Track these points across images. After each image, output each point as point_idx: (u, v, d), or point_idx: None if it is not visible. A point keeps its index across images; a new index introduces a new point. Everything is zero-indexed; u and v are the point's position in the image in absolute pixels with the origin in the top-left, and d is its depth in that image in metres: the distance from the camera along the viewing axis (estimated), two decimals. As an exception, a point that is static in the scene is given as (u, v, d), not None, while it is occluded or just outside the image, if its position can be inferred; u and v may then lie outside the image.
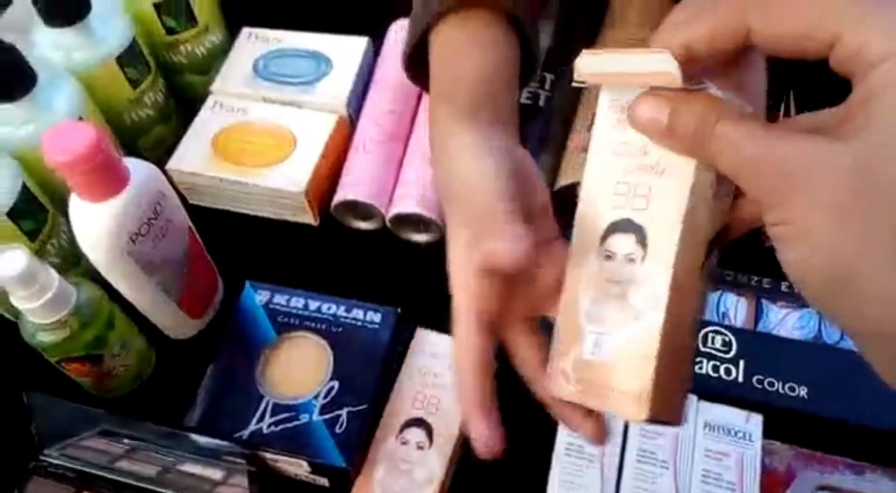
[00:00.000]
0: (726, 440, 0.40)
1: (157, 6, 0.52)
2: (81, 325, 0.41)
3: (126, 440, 0.44)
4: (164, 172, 0.52)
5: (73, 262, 0.48)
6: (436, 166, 0.36)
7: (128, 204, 0.38)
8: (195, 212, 0.55)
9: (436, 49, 0.39)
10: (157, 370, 0.48)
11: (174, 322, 0.47)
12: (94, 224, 0.38)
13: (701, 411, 0.41)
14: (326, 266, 0.52)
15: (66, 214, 0.43)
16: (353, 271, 0.51)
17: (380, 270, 0.51)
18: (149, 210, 0.40)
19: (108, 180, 0.37)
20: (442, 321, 0.46)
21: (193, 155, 0.52)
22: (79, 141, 0.34)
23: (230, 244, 0.53)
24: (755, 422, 0.41)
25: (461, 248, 0.32)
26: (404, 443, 0.42)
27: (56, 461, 0.43)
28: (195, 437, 0.41)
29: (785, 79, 0.53)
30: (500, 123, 0.36)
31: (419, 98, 0.56)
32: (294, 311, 0.45)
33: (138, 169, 0.39)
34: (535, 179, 0.35)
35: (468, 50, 0.37)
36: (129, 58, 0.49)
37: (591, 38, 0.56)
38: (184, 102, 0.58)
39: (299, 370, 0.43)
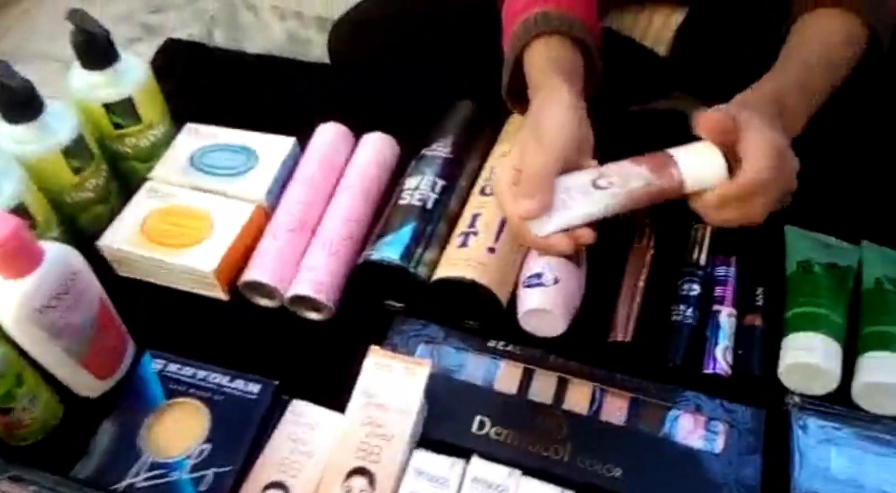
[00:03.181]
0: (538, 517, 0.45)
1: (106, 106, 0.61)
2: (-7, 381, 0.47)
3: (31, 487, 0.50)
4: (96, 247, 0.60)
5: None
6: (532, 110, 0.53)
7: (37, 282, 0.45)
8: (123, 282, 0.62)
9: (533, 60, 0.56)
10: (65, 423, 0.54)
11: (80, 381, 0.53)
12: (7, 296, 0.45)
13: (521, 487, 0.47)
14: (230, 337, 0.58)
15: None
16: (252, 343, 0.58)
17: (275, 343, 0.58)
18: (58, 286, 0.47)
19: (20, 262, 0.44)
20: (319, 394, 0.52)
21: (122, 233, 0.60)
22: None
23: (149, 312, 0.60)
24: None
25: (512, 158, 0.51)
26: (265, 503, 0.47)
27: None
28: (79, 487, 0.46)
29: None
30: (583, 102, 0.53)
31: (331, 195, 0.63)
32: (184, 379, 0.51)
33: (53, 252, 0.47)
34: (588, 146, 0.52)
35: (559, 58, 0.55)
36: (74, 150, 0.58)
37: (485, 154, 0.64)
38: (128, 184, 0.66)
39: (179, 432, 0.49)
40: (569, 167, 0.50)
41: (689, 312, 0.56)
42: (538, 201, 0.48)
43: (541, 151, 0.49)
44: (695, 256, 0.59)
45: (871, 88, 0.65)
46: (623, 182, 0.48)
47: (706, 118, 0.48)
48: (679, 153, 0.49)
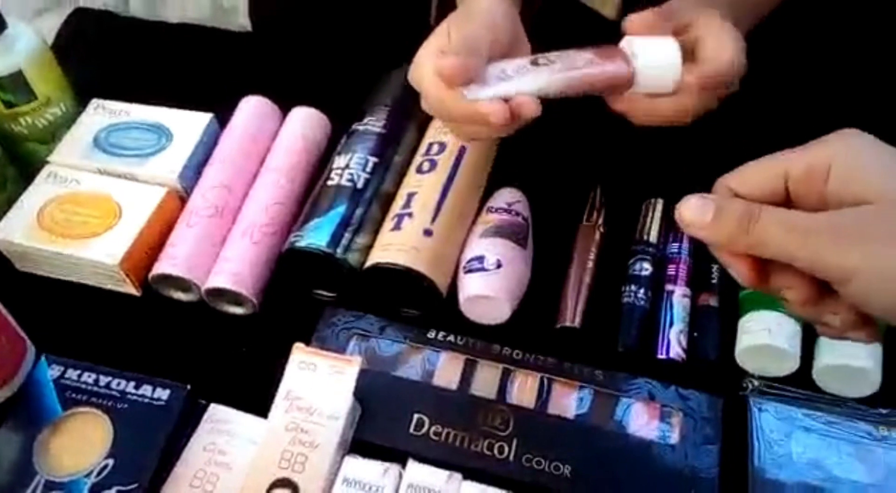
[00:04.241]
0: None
1: (-8, 81, 0.54)
2: None
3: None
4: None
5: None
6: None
7: None
8: (23, 278, 0.56)
9: None
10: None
11: (-31, 393, 0.47)
12: None
13: (461, 492, 0.43)
14: (144, 336, 0.53)
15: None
16: (169, 342, 0.53)
17: (194, 342, 0.52)
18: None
19: None
20: (243, 397, 0.48)
21: (17, 225, 0.53)
22: None
23: (54, 311, 0.54)
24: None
25: (437, 38, 0.45)
26: (176, 522, 0.42)
27: None
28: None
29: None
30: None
31: (253, 176, 0.58)
32: (83, 386, 0.46)
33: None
34: (522, 44, 0.47)
35: None
36: (-47, 131, 0.51)
37: (422, 128, 0.59)
38: (29, 168, 0.59)
39: (77, 447, 0.44)
40: (501, 57, 0.44)
41: (641, 293, 0.52)
42: (464, 59, 0.41)
43: (469, 23, 0.44)
44: (646, 232, 0.55)
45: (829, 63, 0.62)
46: (565, 63, 0.43)
47: (634, 22, 0.44)
48: (631, 42, 0.44)
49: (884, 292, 0.28)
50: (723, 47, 0.45)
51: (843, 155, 0.30)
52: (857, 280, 0.28)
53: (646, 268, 0.53)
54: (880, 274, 0.27)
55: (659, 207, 0.56)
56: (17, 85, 0.55)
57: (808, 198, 0.31)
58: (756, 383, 0.48)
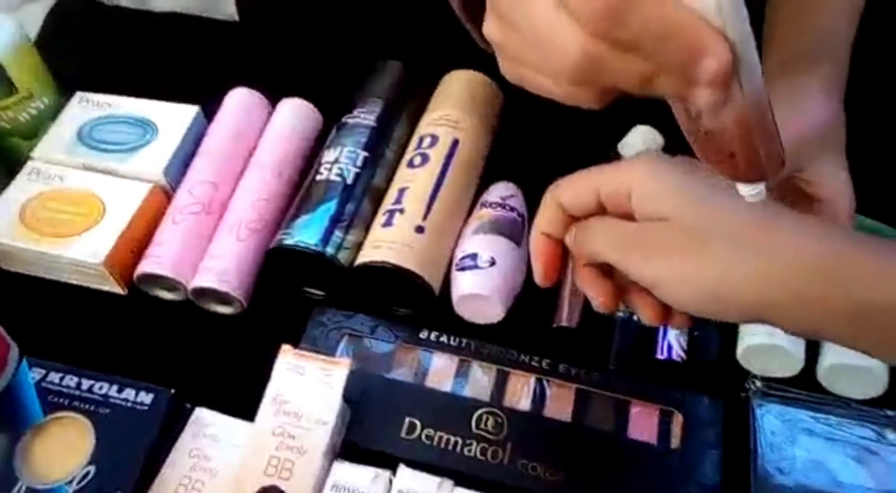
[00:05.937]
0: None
1: (-29, 76, 0.52)
2: None
3: None
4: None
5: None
6: None
7: None
8: (5, 278, 0.55)
9: None
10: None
11: (-51, 397, 0.46)
12: None
13: (454, 500, 0.42)
14: (129, 337, 0.51)
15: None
16: (155, 343, 0.51)
17: (180, 343, 0.51)
18: None
19: None
20: (230, 400, 0.46)
21: (0, 223, 0.52)
22: None
23: (37, 312, 0.53)
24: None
25: None
26: (161, 530, 0.41)
27: None
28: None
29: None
30: None
31: (242, 171, 0.56)
32: (65, 390, 0.45)
33: None
34: None
35: None
36: (-70, 127, 0.49)
37: (414, 121, 0.58)
38: (12, 164, 0.58)
39: (59, 453, 0.43)
40: None
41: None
42: None
43: None
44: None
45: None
46: None
47: None
48: None
49: (684, 295, 0.31)
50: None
51: (643, 178, 0.32)
52: (661, 287, 0.32)
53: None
54: (679, 282, 0.31)
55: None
56: (-4, 79, 0.53)
57: (615, 212, 0.33)
58: (759, 384, 0.47)
